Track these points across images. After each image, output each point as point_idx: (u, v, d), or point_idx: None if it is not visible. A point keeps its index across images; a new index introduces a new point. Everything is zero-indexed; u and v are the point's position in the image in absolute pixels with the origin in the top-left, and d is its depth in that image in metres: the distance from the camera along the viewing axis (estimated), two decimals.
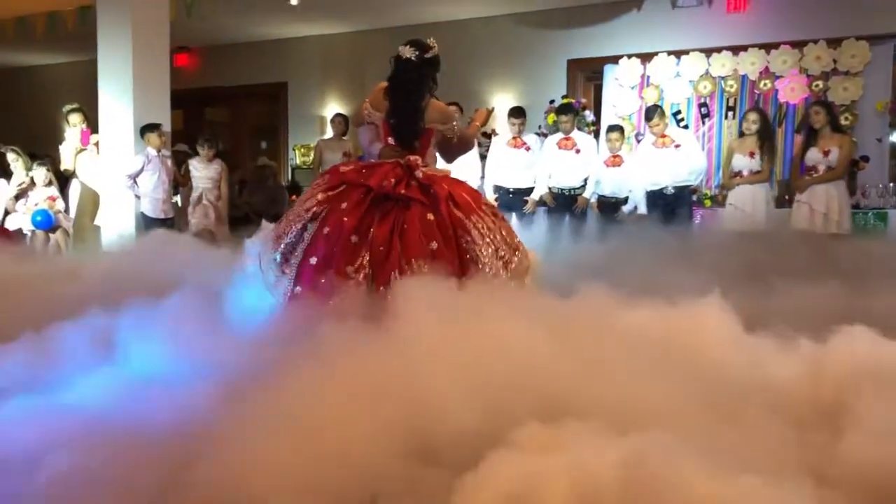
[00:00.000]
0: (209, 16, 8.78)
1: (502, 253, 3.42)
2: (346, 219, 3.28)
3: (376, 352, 2.32)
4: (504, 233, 3.52)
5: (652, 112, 7.09)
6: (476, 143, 3.93)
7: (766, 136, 6.53)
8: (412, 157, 3.54)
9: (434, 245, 3.27)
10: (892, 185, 7.10)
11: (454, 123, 3.76)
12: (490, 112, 4.41)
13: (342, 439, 1.91)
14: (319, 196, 3.42)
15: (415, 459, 1.94)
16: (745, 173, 6.46)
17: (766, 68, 7.88)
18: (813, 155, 6.14)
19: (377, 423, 1.97)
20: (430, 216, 3.33)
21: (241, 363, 2.45)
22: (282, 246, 3.36)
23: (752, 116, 6.56)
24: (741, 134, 6.70)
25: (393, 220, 3.31)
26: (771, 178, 6.88)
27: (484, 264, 3.33)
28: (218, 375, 2.35)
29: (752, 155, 6.41)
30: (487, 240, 3.39)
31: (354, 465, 1.86)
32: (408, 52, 3.61)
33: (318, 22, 9.89)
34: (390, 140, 3.70)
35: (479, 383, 2.16)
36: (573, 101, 8.19)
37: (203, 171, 7.60)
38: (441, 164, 3.97)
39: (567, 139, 7.37)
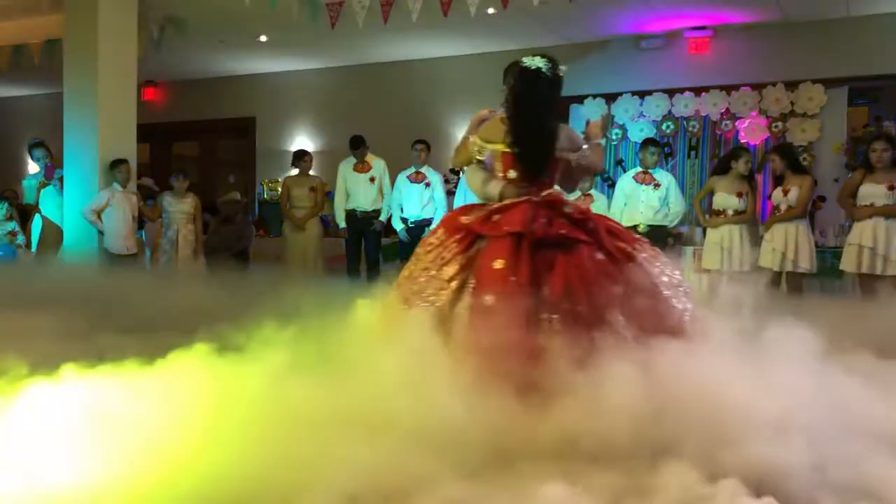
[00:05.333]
0: (177, 51, 8.79)
1: (677, 281, 2.89)
2: (513, 277, 2.66)
3: None
4: (663, 257, 2.99)
5: (647, 144, 7.09)
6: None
7: (752, 178, 6.62)
8: (552, 192, 2.98)
9: (619, 289, 2.72)
10: (848, 224, 7.25)
11: (584, 149, 3.15)
12: (606, 119, 3.64)
13: None
14: (461, 260, 2.80)
15: None
16: (729, 213, 6.50)
17: (728, 109, 8.07)
18: (776, 195, 6.24)
19: None
20: (600, 255, 2.78)
21: None
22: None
23: (747, 156, 6.50)
24: (723, 171, 6.56)
25: (564, 269, 2.71)
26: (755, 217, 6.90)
27: (668, 297, 2.80)
28: None
29: (740, 195, 6.45)
30: (657, 267, 2.86)
31: None
32: (539, 63, 3.02)
33: (287, 58, 9.95)
34: (511, 174, 3.04)
35: None
36: None
37: (177, 206, 7.59)
38: None
39: None
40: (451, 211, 3.09)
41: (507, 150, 3.03)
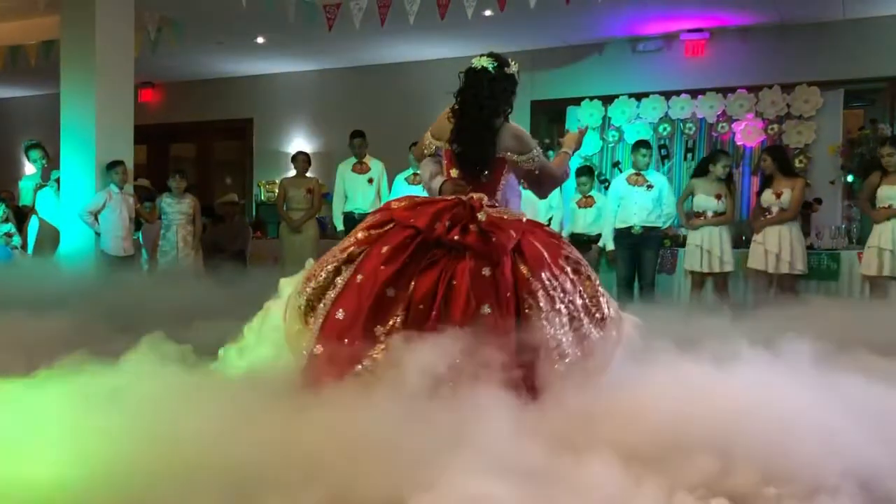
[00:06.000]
0: (174, 52, 8.79)
1: (579, 324, 2.72)
2: (383, 266, 2.68)
3: None
4: (587, 296, 2.79)
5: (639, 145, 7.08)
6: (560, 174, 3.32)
7: (731, 180, 6.68)
8: (476, 195, 2.90)
9: (486, 309, 2.63)
10: (844, 226, 7.29)
11: (534, 152, 3.08)
12: (583, 132, 3.54)
13: None
14: (360, 234, 2.84)
15: None
16: (709, 214, 6.53)
17: (724, 112, 8.09)
18: (767, 197, 6.30)
19: None
20: (486, 271, 2.69)
21: None
22: (309, 290, 2.76)
23: (726, 160, 6.60)
24: (703, 173, 6.67)
25: (439, 274, 2.69)
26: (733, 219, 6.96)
27: (549, 338, 2.64)
28: None
29: (718, 197, 6.50)
30: (559, 305, 2.69)
31: None
32: (484, 62, 3.06)
33: (284, 60, 9.95)
34: (453, 172, 3.07)
35: None
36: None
37: (175, 207, 7.60)
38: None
39: None
40: (399, 197, 3.15)
41: (449, 147, 3.08)
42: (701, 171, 6.73)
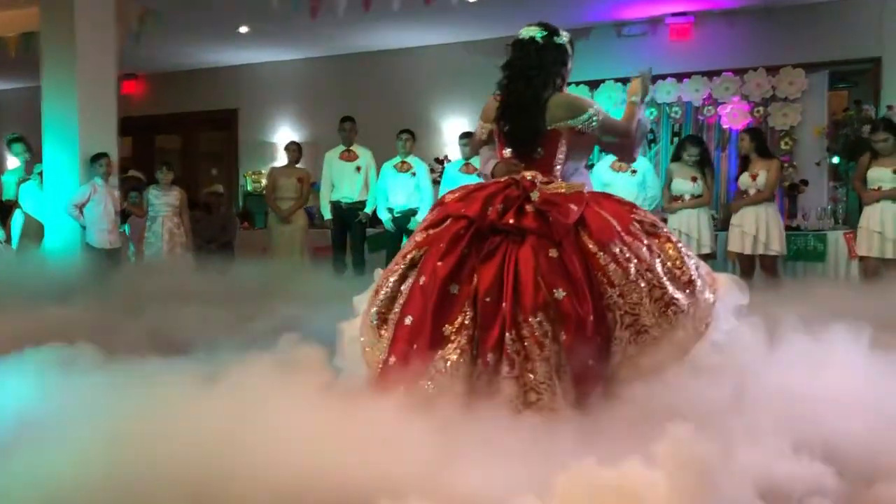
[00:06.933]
0: (158, 43, 8.70)
1: (661, 292, 2.53)
2: (440, 263, 2.55)
3: None
4: (669, 260, 2.62)
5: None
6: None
7: (706, 163, 6.68)
8: (528, 174, 2.75)
9: (560, 293, 2.46)
10: (830, 207, 7.33)
11: (590, 111, 2.84)
12: (645, 76, 3.11)
13: None
14: (418, 237, 2.74)
15: None
16: (686, 198, 6.56)
17: (709, 95, 8.09)
18: (743, 179, 6.35)
19: None
20: (553, 252, 2.52)
21: None
22: (378, 302, 2.68)
23: (693, 150, 6.59)
24: (677, 158, 6.70)
25: (501, 261, 2.53)
26: (714, 201, 6.99)
27: (624, 314, 2.50)
28: None
29: (693, 180, 6.53)
30: (633, 275, 2.52)
31: None
32: (532, 31, 2.88)
33: (269, 49, 9.88)
34: (506, 152, 2.90)
35: None
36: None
37: (162, 199, 7.56)
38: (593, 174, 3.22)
39: None
40: (454, 189, 2.98)
41: (498, 127, 2.93)
42: (676, 156, 6.76)
